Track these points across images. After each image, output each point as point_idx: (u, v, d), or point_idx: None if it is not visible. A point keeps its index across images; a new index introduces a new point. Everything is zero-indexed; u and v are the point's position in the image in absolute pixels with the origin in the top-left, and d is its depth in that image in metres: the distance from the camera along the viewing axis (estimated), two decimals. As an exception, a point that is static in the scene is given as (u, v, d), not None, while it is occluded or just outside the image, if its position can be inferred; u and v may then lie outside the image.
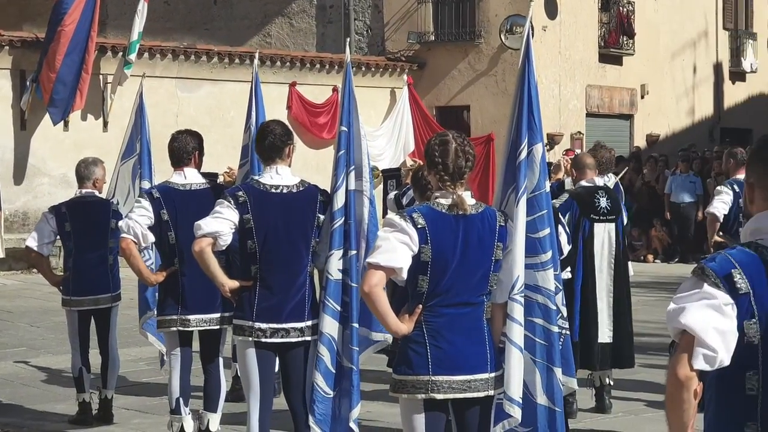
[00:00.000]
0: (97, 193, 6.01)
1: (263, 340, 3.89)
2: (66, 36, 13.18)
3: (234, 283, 3.96)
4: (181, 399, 4.60)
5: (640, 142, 18.36)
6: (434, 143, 3.31)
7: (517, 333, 3.39)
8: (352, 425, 4.07)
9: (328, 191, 4.35)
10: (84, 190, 5.88)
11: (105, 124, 13.63)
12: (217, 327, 4.63)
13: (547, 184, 3.88)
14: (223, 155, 12.09)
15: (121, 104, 13.53)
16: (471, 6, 16.25)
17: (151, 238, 4.71)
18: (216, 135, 13.96)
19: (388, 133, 16.04)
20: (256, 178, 4.27)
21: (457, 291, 3.27)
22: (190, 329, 4.58)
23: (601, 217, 5.40)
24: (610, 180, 6.19)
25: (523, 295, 3.43)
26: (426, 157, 3.41)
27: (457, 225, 3.24)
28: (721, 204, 6.06)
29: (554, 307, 3.61)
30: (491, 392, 3.34)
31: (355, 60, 16.09)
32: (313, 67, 15.77)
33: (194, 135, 4.93)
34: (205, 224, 3.86)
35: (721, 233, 6.10)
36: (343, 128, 4.16)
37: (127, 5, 15.60)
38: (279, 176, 4.01)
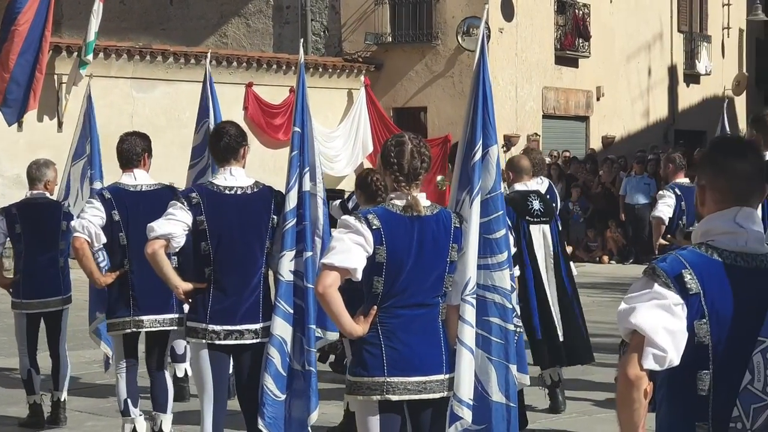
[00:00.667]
0: (48, 194, 6.04)
1: (217, 342, 3.93)
2: (20, 35, 13.15)
3: (188, 286, 4.01)
4: (129, 400, 4.65)
5: (595, 144, 18.54)
6: (390, 144, 3.35)
7: (468, 335, 3.43)
8: (309, 430, 4.14)
9: (283, 192, 4.46)
10: (35, 192, 5.92)
11: (60, 124, 13.64)
12: (171, 328, 4.68)
13: (503, 186, 3.94)
14: (178, 156, 11.93)
15: (76, 105, 13.03)
16: (428, 8, 16.38)
17: (104, 238, 4.74)
18: (171, 136, 13.97)
19: (345, 135, 16.13)
20: (210, 179, 4.32)
21: (412, 292, 3.31)
22: (144, 330, 4.63)
23: (535, 219, 5.60)
24: (543, 183, 6.45)
25: (474, 296, 3.48)
26: (381, 158, 3.45)
27: (411, 226, 3.29)
28: (666, 207, 6.34)
29: (510, 306, 3.68)
30: (446, 393, 3.39)
31: (312, 61, 16.22)
32: (270, 68, 15.79)
33: (143, 137, 4.99)
34: (158, 226, 3.88)
35: (668, 236, 6.32)
36: (296, 129, 4.18)
37: (83, 5, 15.55)
38: (233, 177, 4.05)
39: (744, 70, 23.61)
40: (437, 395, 3.40)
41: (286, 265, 4.07)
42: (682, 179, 7.03)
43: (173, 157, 12.33)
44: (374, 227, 3.20)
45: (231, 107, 14.37)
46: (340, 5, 17.18)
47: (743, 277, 2.06)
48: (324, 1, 17.31)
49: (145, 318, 4.62)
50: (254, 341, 4.07)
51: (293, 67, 15.95)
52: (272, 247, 4.13)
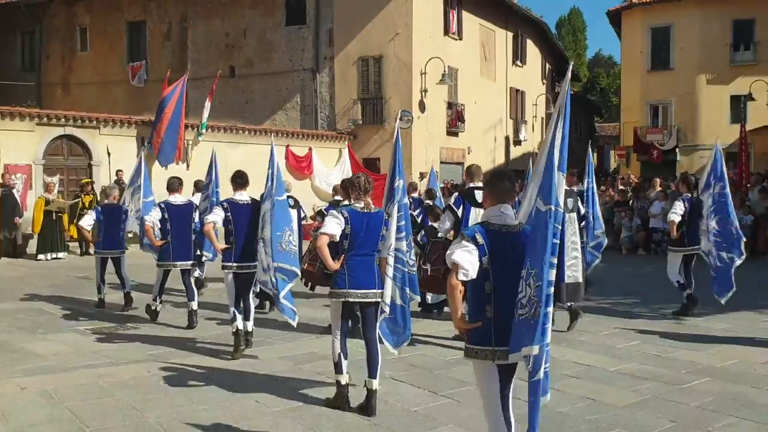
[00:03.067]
0: (183, 198, 8.85)
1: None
2: (166, 118, 18.51)
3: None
4: (341, 355, 5.39)
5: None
6: (355, 177, 5.40)
7: (389, 271, 5.22)
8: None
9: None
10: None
11: (187, 166, 18.78)
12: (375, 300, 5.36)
13: (406, 199, 5.53)
14: (252, 186, 18.95)
15: (195, 156, 19.12)
16: (380, 105, 23.30)
17: (220, 226, 6.90)
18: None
19: (337, 172, 22.13)
20: (350, 205, 5.46)
21: (361, 248, 5.22)
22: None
23: (475, 205, 6.89)
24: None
25: (392, 253, 5.26)
26: (350, 184, 5.45)
27: (364, 216, 5.18)
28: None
29: (407, 259, 5.38)
30: (378, 299, 5.20)
31: (320, 134, 23.10)
32: (298, 137, 22.12)
33: (242, 174, 7.24)
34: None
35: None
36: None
37: (199, 103, 20.72)
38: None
39: (543, 139, 33.26)
40: (373, 300, 5.20)
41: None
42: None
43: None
44: (345, 216, 5.06)
45: (280, 159, 18.79)
46: (335, 104, 23.86)
47: (504, 236, 3.45)
48: (326, 102, 24.01)
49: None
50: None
51: (311, 137, 22.33)
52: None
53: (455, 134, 25.41)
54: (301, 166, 22.14)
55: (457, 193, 7.90)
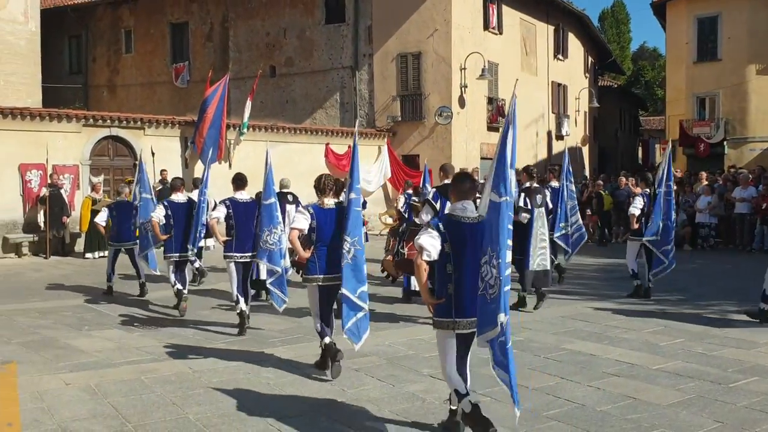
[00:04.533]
0: (183, 196, 9.46)
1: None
2: (208, 119, 18.69)
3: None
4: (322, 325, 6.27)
5: None
6: (319, 178, 6.21)
7: (348, 256, 5.81)
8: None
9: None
10: (243, 192, 8.35)
11: (230, 166, 18.77)
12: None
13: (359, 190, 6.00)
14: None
15: (237, 155, 19.50)
16: (419, 101, 23.17)
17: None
18: (287, 172, 17.87)
19: (376, 169, 22.63)
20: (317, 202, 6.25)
21: (326, 238, 6.09)
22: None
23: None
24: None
25: (349, 239, 5.85)
26: (315, 184, 6.18)
27: (328, 211, 6.12)
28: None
29: (360, 247, 5.86)
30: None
31: (360, 131, 19.92)
32: (338, 135, 22.19)
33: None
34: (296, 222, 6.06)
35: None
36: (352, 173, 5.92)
37: (241, 102, 21.48)
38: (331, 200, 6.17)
39: (586, 133, 32.20)
40: (339, 282, 5.95)
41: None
42: (555, 183, 11.26)
43: (292, 186, 14.91)
44: (311, 212, 6.01)
45: (320, 157, 21.12)
46: (375, 101, 23.88)
47: (463, 227, 4.25)
48: (365, 99, 24.07)
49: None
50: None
51: (350, 135, 21.56)
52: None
53: (496, 129, 24.81)
54: (340, 164, 21.92)
55: (434, 189, 8.55)
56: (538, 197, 9.28)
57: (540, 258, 9.15)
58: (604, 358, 6.93)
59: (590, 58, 34.22)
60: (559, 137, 29.85)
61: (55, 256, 16.20)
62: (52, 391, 5.96)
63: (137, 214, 10.48)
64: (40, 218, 16.33)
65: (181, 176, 10.75)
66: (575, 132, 31.37)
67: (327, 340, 6.26)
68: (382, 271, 10.75)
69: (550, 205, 9.90)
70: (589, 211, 20.25)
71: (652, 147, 41.39)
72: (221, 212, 8.07)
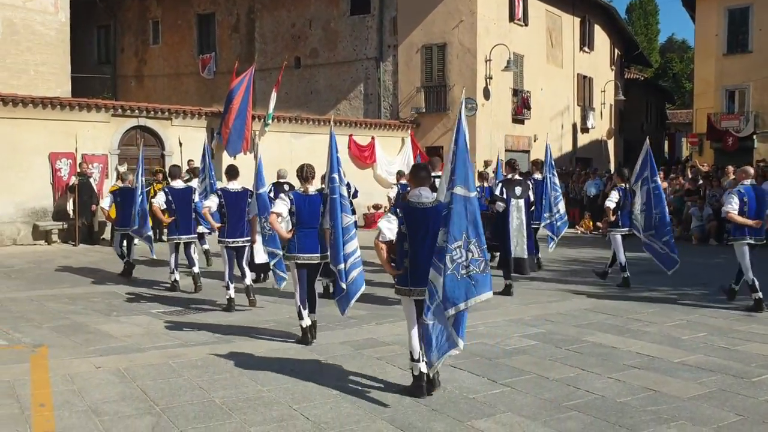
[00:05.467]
0: (182, 183, 10.41)
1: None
2: (234, 110, 18.73)
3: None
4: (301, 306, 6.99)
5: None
6: (301, 167, 6.86)
7: (329, 239, 6.58)
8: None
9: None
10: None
11: (255, 156, 15.24)
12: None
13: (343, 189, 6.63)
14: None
15: (262, 146, 17.52)
16: (444, 93, 23.20)
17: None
18: (311, 163, 20.18)
19: (399, 160, 22.48)
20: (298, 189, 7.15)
21: (306, 222, 6.78)
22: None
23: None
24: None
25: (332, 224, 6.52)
26: (297, 173, 6.94)
27: (306, 198, 6.80)
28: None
29: (336, 230, 6.47)
30: (320, 261, 6.88)
31: (383, 123, 23.14)
32: (361, 126, 22.32)
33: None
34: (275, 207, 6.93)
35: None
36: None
37: (266, 93, 21.59)
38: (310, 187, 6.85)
39: (612, 126, 31.96)
40: (316, 262, 6.86)
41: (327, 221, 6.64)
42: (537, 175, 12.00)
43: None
44: (291, 198, 6.68)
45: (343, 148, 20.51)
46: (399, 92, 24.01)
47: (418, 211, 5.18)
48: (389, 90, 24.24)
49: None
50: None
51: (372, 126, 22.34)
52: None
53: (521, 121, 25.25)
54: (363, 155, 22.34)
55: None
56: (517, 189, 9.92)
57: (519, 247, 9.84)
58: (625, 351, 6.95)
59: (617, 51, 33.88)
60: (584, 130, 29.81)
61: (83, 244, 16.49)
62: (82, 374, 6.14)
63: (143, 201, 10.88)
64: (70, 206, 16.69)
65: (178, 164, 12.02)
66: (600, 125, 31.20)
67: (304, 323, 6.99)
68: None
69: (532, 197, 10.43)
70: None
71: (679, 141, 40.93)
72: (214, 202, 8.76)
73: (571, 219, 17.86)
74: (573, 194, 21.46)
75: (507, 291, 9.80)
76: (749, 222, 8.61)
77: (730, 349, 7.10)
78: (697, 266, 13.10)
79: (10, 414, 5.10)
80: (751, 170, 9.13)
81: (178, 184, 10.30)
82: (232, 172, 8.89)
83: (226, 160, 18.27)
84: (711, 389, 5.78)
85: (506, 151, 23.89)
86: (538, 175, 12.27)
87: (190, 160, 18.53)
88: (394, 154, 23.12)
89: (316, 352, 6.89)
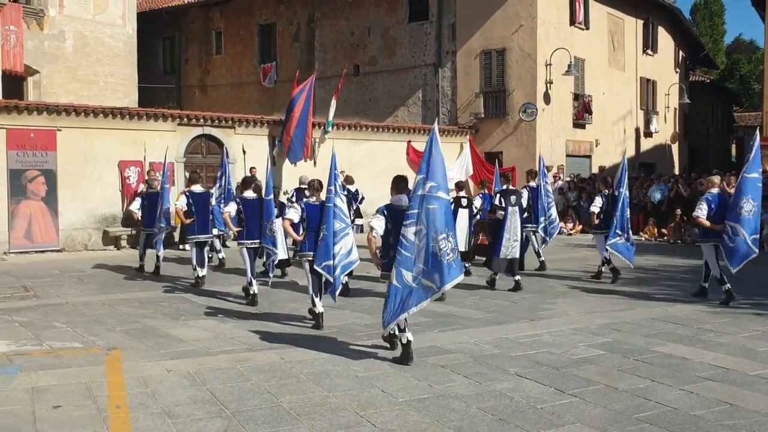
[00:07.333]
0: (201, 188, 11.62)
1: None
2: (295, 118, 19.11)
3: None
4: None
5: (594, 170, 24.46)
6: (311, 181, 8.53)
7: (333, 238, 7.79)
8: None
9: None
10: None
11: (315, 164, 19.73)
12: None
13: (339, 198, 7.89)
14: (372, 180, 18.67)
15: (322, 153, 20.00)
16: (503, 97, 23.24)
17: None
18: (369, 169, 19.98)
19: (457, 166, 22.26)
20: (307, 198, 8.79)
21: (313, 227, 8.09)
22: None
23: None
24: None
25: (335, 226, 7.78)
26: (308, 185, 8.58)
27: (316, 207, 8.15)
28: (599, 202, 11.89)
29: (327, 232, 7.75)
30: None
31: (442, 128, 22.29)
32: (419, 132, 22.24)
33: (247, 178, 10.54)
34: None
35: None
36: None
37: (326, 102, 21.42)
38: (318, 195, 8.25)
39: (676, 130, 31.36)
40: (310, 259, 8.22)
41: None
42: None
43: (369, 180, 18.41)
44: (302, 207, 8.25)
45: (401, 155, 21.63)
46: (457, 98, 24.06)
47: (398, 212, 6.61)
48: (447, 96, 24.25)
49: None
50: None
51: (431, 132, 23.19)
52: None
53: (582, 126, 25.08)
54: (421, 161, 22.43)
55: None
56: (512, 198, 11.17)
57: (512, 249, 11.06)
58: (697, 362, 6.78)
59: (681, 53, 33.21)
60: (648, 134, 29.28)
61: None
62: (155, 377, 6.30)
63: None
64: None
65: (198, 171, 13.73)
66: (664, 129, 30.60)
67: (317, 309, 8.22)
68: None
69: (524, 205, 11.60)
70: (679, 211, 19.63)
71: (747, 144, 39.45)
72: (233, 208, 9.91)
73: (635, 225, 17.50)
74: (636, 200, 21.00)
75: (492, 284, 11.18)
76: (716, 227, 9.56)
77: (809, 361, 6.81)
78: (769, 275, 12.63)
79: (89, 415, 5.28)
80: (718, 180, 10.17)
81: (197, 188, 11.43)
82: (247, 183, 10.09)
83: (287, 167, 19.13)
84: (791, 404, 5.55)
85: (567, 156, 24.31)
86: (532, 183, 13.10)
87: (252, 168, 18.84)
88: (453, 159, 22.71)
89: (380, 359, 6.91)
